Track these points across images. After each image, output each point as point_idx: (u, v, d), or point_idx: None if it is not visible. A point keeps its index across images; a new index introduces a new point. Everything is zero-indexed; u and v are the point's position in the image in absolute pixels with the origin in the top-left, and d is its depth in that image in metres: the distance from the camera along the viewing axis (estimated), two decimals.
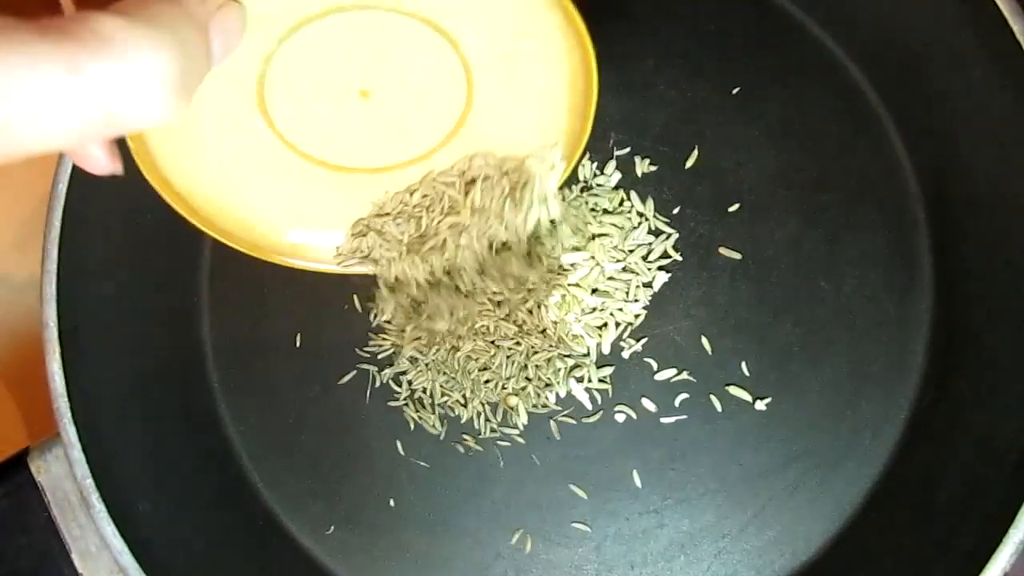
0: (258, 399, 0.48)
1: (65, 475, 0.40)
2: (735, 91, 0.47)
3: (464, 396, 0.46)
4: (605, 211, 0.47)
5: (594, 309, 0.46)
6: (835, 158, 0.47)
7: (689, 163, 0.47)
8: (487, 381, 0.46)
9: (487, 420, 0.46)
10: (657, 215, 0.47)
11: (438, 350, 0.46)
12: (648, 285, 0.46)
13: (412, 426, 0.47)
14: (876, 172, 0.46)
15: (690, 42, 0.48)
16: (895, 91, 0.46)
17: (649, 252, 0.46)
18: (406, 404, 0.47)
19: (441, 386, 0.46)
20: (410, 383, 0.47)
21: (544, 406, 0.46)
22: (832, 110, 0.47)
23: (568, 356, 0.46)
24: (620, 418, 0.46)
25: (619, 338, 0.46)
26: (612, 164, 0.47)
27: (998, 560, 0.36)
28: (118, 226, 0.44)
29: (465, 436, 0.46)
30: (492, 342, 0.45)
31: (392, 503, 0.46)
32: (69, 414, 0.40)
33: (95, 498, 0.39)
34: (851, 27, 0.47)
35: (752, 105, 0.47)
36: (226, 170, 0.37)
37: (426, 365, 0.46)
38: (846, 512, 0.44)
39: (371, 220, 0.41)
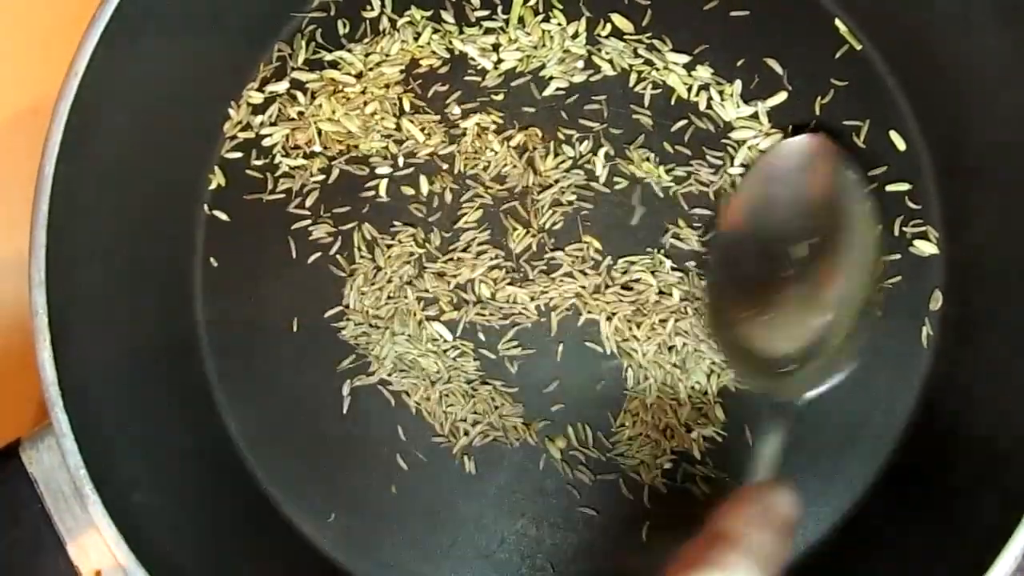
0: (255, 384, 0.47)
1: (58, 465, 0.39)
2: (739, 63, 0.46)
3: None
4: None
5: None
6: (843, 131, 0.45)
7: None
8: None
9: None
10: None
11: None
12: None
13: (414, 411, 0.46)
14: (886, 146, 0.45)
15: (694, 16, 0.47)
16: (904, 60, 0.45)
17: None
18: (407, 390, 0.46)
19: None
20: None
21: None
22: (839, 80, 0.46)
23: None
24: None
25: None
26: None
27: (1019, 539, 0.35)
28: (108, 209, 0.43)
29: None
30: None
31: (394, 489, 0.45)
32: (60, 403, 0.39)
33: (89, 488, 0.38)
34: None
35: (755, 75, 0.46)
36: None
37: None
38: (858, 493, 0.43)
39: None
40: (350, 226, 0.47)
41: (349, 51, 0.47)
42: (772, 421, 0.37)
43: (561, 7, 0.47)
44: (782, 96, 0.46)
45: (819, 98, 0.46)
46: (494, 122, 0.46)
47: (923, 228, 0.45)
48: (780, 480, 0.35)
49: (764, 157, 0.42)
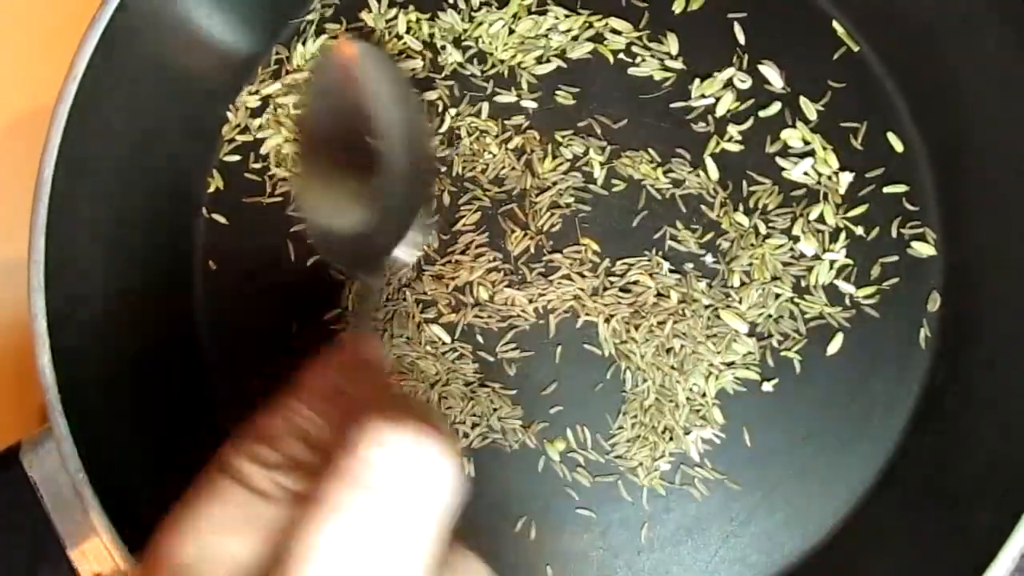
0: (255, 387, 0.47)
1: (58, 469, 0.39)
2: (737, 64, 0.46)
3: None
4: None
5: None
6: (842, 135, 0.45)
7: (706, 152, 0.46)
8: None
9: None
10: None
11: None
12: None
13: None
14: (884, 147, 0.45)
15: (692, 17, 0.47)
16: (902, 61, 0.45)
17: None
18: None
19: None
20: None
21: None
22: (836, 81, 0.46)
23: None
24: None
25: None
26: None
27: (1016, 539, 0.35)
28: (107, 212, 0.43)
29: None
30: None
31: None
32: (60, 407, 0.38)
33: (89, 493, 0.38)
34: None
35: (754, 76, 0.46)
36: None
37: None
38: (858, 493, 0.43)
39: None
40: None
41: None
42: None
43: (559, 6, 0.47)
44: (779, 100, 0.46)
45: (817, 99, 0.46)
46: (492, 125, 0.46)
47: (921, 230, 0.45)
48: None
49: (313, 71, 0.46)
